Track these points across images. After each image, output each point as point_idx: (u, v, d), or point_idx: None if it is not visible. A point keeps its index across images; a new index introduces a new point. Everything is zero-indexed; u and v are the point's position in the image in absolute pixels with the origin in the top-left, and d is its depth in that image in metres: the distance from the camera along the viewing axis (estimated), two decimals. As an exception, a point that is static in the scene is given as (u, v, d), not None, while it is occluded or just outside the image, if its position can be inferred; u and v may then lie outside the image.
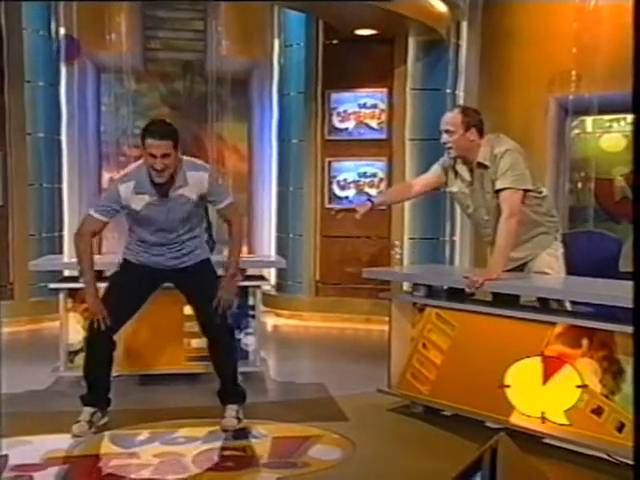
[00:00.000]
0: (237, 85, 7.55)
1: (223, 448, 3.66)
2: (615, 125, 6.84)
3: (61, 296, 4.65)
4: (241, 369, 4.26)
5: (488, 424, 3.77)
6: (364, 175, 7.12)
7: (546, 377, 3.55)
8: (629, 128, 6.48)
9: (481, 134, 3.97)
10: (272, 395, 4.75)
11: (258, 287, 4.91)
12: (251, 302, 4.86)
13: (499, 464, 1.63)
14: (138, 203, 3.72)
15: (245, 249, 7.19)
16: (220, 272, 4.06)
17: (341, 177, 7.17)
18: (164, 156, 3.57)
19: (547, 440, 3.60)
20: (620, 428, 3.28)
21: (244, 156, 7.85)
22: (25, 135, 6.73)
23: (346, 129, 7.14)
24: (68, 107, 7.03)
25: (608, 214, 6.87)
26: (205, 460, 3.48)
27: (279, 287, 7.47)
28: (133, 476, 3.28)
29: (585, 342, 3.44)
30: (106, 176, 7.34)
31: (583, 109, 6.51)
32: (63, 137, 7.06)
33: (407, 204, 6.69)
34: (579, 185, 6.96)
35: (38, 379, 4.72)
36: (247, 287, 4.83)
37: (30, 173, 6.79)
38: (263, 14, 7.49)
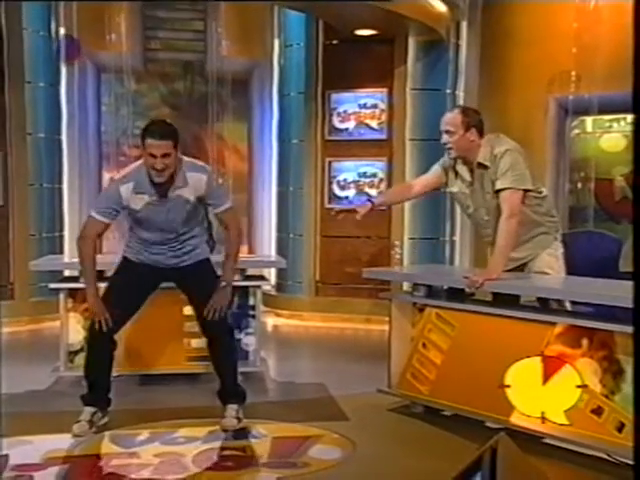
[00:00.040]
0: (237, 85, 7.55)
1: (223, 448, 3.67)
2: (615, 125, 6.84)
3: (61, 296, 4.65)
4: (241, 369, 4.26)
5: (488, 424, 3.77)
6: (364, 175, 7.12)
7: (546, 377, 3.55)
8: (629, 128, 6.48)
9: (481, 134, 3.97)
10: (272, 395, 4.75)
11: (258, 287, 4.91)
12: (251, 302, 4.86)
13: (499, 464, 1.64)
14: (138, 203, 3.73)
15: (245, 249, 7.20)
16: (220, 272, 4.06)
17: (341, 177, 7.18)
18: (164, 156, 3.57)
19: (547, 440, 3.60)
20: (620, 428, 3.29)
21: (244, 156, 7.85)
22: (25, 135, 6.73)
23: (346, 129, 7.14)
24: (68, 107, 7.03)
25: (608, 214, 6.87)
26: (205, 460, 3.48)
27: (279, 287, 7.47)
28: (133, 476, 3.29)
29: (585, 342, 3.44)
30: (106, 176, 7.34)
31: (583, 109, 6.51)
32: (63, 137, 7.06)
33: (407, 204, 6.69)
34: (579, 185, 6.96)
35: (38, 379, 4.72)
36: (247, 287, 4.84)
37: (30, 173, 6.80)
38: (263, 14, 7.49)
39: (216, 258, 4.17)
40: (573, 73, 6.45)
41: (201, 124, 7.48)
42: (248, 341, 4.87)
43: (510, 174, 3.83)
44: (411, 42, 6.92)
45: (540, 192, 4.02)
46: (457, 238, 7.23)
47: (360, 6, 6.06)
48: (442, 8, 6.65)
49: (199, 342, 4.54)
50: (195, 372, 4.72)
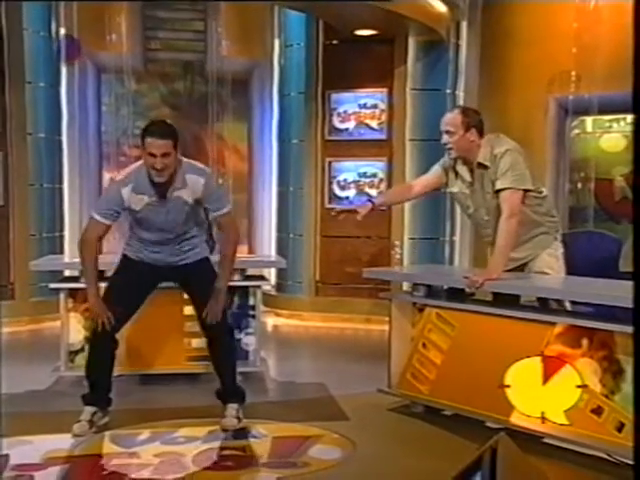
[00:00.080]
0: (237, 85, 7.55)
1: (223, 448, 3.67)
2: (615, 125, 6.84)
3: (62, 296, 4.65)
4: (241, 369, 4.27)
5: (488, 424, 3.77)
6: (364, 175, 7.12)
7: (546, 377, 3.56)
8: (629, 128, 6.48)
9: (481, 134, 3.97)
10: (272, 395, 4.75)
11: (258, 287, 4.91)
12: (251, 302, 4.87)
13: (499, 464, 1.64)
14: (138, 203, 3.73)
15: (245, 249, 7.20)
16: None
17: (341, 177, 7.18)
18: (164, 155, 3.58)
19: (547, 440, 3.60)
20: (620, 428, 3.29)
21: (244, 156, 7.84)
22: (26, 135, 6.73)
23: (346, 129, 7.14)
24: (69, 107, 7.02)
25: (608, 214, 6.87)
26: (205, 460, 3.48)
27: (279, 287, 7.47)
28: (133, 476, 3.29)
29: (585, 342, 3.44)
30: (107, 176, 7.33)
31: (583, 109, 6.51)
32: (64, 137, 7.05)
33: (407, 204, 6.69)
34: (579, 185, 6.95)
35: (39, 379, 4.73)
36: (247, 287, 4.84)
37: (31, 173, 6.80)
38: (263, 14, 7.49)
39: (215, 258, 4.17)
40: (573, 73, 6.45)
41: (201, 124, 7.47)
42: (248, 341, 4.87)
43: (510, 174, 3.83)
44: (411, 42, 6.92)
45: (540, 192, 4.02)
46: (457, 238, 7.23)
47: (360, 6, 6.07)
48: (442, 8, 6.65)
49: (199, 342, 4.54)
50: (195, 372, 4.73)
